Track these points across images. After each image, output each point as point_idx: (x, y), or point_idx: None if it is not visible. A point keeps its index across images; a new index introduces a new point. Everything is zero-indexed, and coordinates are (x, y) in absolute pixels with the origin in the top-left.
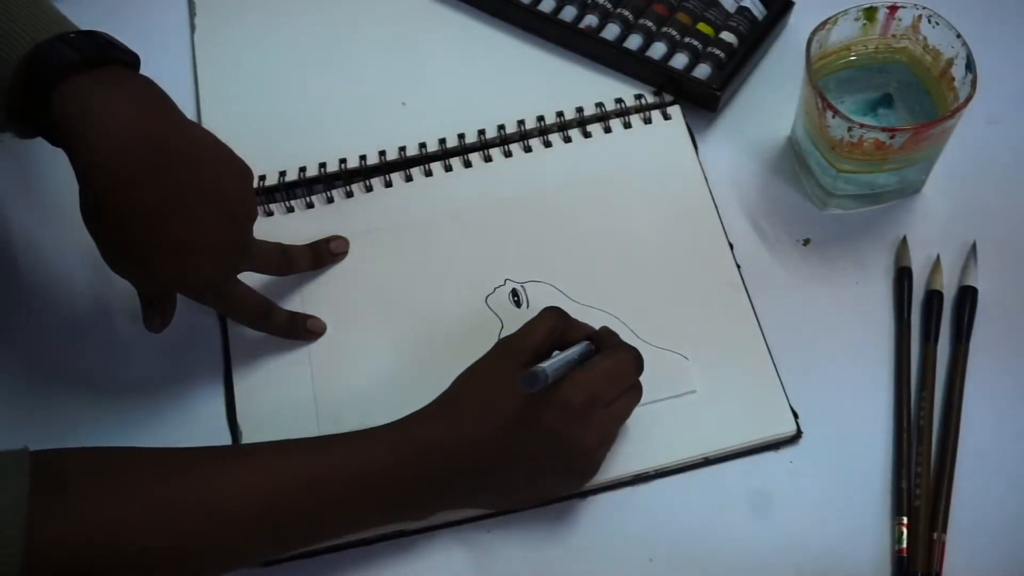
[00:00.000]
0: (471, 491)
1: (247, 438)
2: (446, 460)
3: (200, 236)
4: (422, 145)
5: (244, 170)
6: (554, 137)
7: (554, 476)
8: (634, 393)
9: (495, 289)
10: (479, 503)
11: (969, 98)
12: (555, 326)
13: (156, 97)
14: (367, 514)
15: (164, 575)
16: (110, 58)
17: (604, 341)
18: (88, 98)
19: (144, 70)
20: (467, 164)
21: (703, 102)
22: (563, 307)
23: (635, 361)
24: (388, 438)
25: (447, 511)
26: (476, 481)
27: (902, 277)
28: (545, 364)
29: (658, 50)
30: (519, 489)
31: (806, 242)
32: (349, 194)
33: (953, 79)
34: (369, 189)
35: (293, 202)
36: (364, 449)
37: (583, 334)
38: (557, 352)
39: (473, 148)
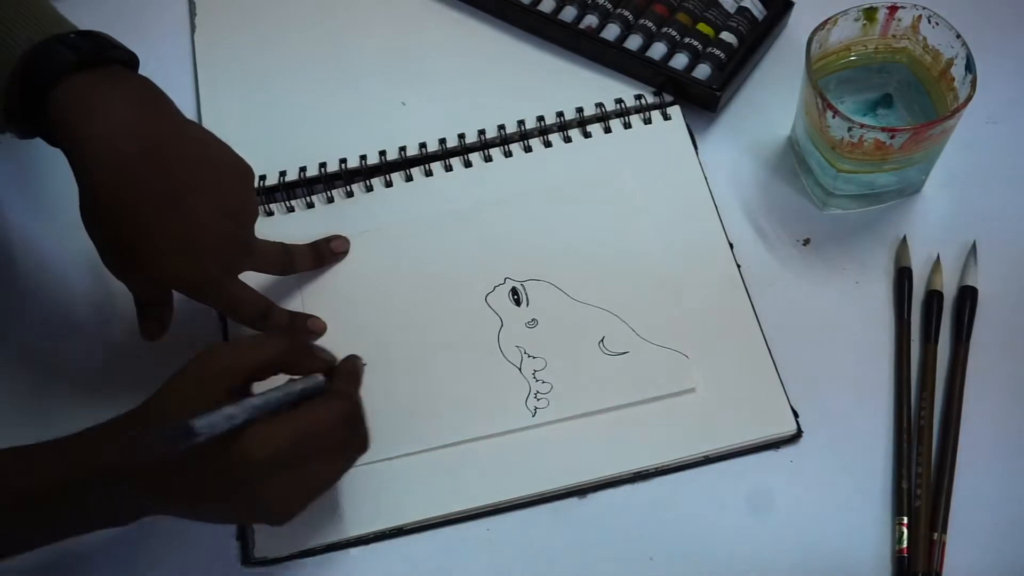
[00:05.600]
0: (148, 500)
1: None
2: (125, 482)
3: (200, 236)
4: (422, 145)
5: (245, 169)
6: (554, 137)
7: (238, 514)
8: (341, 456)
9: (495, 288)
10: (168, 512)
11: (969, 98)
12: (274, 359)
13: (155, 97)
14: (53, 523)
15: None
16: (109, 58)
17: (335, 383)
18: (87, 98)
19: (144, 70)
20: (467, 164)
21: (703, 102)
22: (563, 306)
23: (343, 418)
24: (65, 455)
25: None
26: (164, 504)
27: (902, 277)
28: (207, 417)
29: (658, 50)
30: (200, 514)
31: (806, 242)
32: (349, 194)
33: (953, 79)
34: (369, 189)
35: (293, 202)
36: (37, 462)
37: (317, 366)
38: (285, 383)
39: (473, 148)
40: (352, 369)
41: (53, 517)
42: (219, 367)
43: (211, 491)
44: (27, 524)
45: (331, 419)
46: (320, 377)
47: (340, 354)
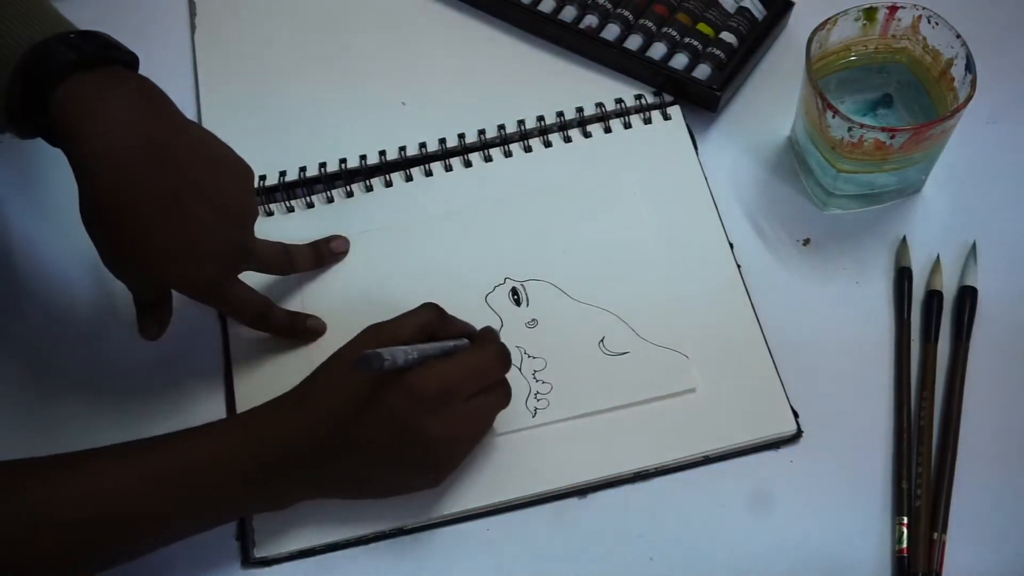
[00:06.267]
0: (317, 480)
1: None
2: (282, 449)
3: (200, 236)
4: (422, 145)
5: (244, 169)
6: (554, 137)
7: (404, 467)
8: (498, 393)
9: (495, 288)
10: (332, 493)
11: (969, 98)
12: (428, 321)
13: (155, 97)
14: (210, 508)
15: None
16: (109, 58)
17: (480, 339)
18: (87, 98)
19: (144, 70)
20: (467, 164)
21: (703, 102)
22: (563, 306)
23: (499, 357)
24: (223, 431)
25: (311, 499)
26: (319, 470)
27: (902, 277)
28: (387, 349)
29: (658, 50)
30: (369, 479)
31: (806, 242)
32: (349, 194)
33: (953, 79)
34: (369, 189)
35: (293, 202)
36: (197, 444)
37: (459, 331)
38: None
39: (473, 148)
40: (493, 331)
41: (200, 498)
42: (380, 337)
43: (386, 441)
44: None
45: (488, 358)
46: (465, 340)
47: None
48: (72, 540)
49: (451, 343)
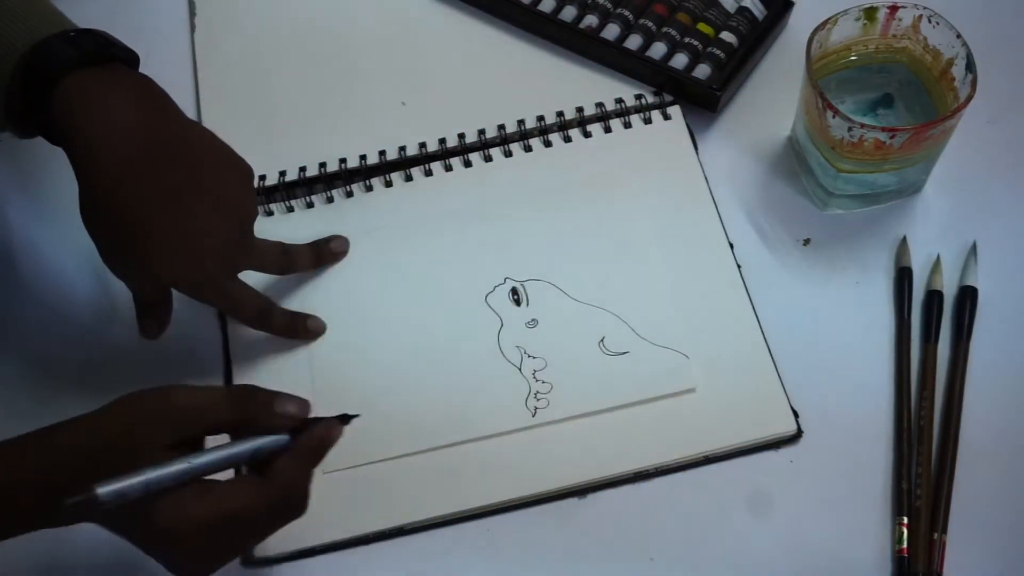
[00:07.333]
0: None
1: None
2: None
3: (199, 234)
4: (422, 145)
5: (244, 168)
6: (554, 137)
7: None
8: (259, 536)
9: (495, 288)
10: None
11: (969, 98)
12: (234, 418)
13: (156, 95)
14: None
15: None
16: (109, 56)
17: (287, 458)
18: (88, 96)
19: (144, 70)
20: (467, 164)
21: (703, 102)
22: (563, 306)
23: (272, 508)
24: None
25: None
26: None
27: (902, 277)
28: (119, 484)
29: (658, 50)
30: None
31: (806, 242)
32: (349, 194)
33: (953, 79)
34: (369, 189)
35: (293, 202)
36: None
37: (280, 426)
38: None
39: (473, 148)
40: (318, 443)
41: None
42: (170, 416)
43: (124, 533)
44: None
45: (254, 506)
46: (284, 437)
47: (341, 354)
48: None
49: (250, 448)
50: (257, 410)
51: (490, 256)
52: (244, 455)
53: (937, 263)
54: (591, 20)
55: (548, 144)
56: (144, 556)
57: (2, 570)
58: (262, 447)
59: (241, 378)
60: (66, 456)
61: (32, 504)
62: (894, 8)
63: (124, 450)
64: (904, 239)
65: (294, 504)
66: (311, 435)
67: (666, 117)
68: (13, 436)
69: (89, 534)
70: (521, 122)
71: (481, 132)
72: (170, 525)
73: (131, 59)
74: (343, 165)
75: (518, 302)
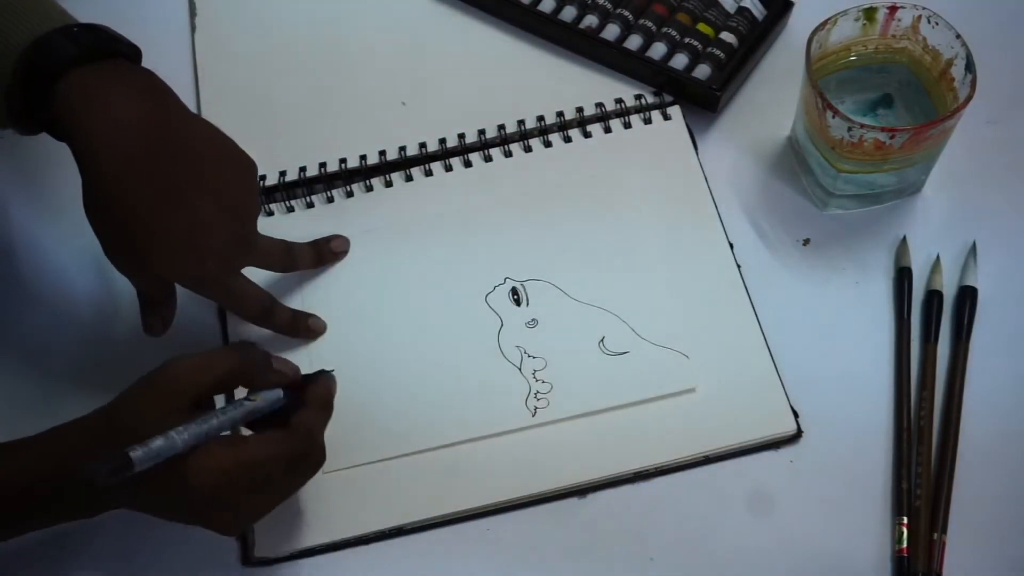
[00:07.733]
0: (129, 506)
1: None
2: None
3: (203, 230)
4: (422, 145)
5: (248, 163)
6: (554, 137)
7: (191, 523)
8: (287, 484)
9: (495, 288)
10: (144, 510)
11: (969, 98)
12: (232, 368)
13: (158, 90)
14: (18, 521)
15: None
16: (112, 51)
17: (300, 415)
18: (90, 91)
19: None
20: (467, 164)
21: (703, 102)
22: (563, 306)
23: (294, 456)
24: (28, 455)
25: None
26: (127, 503)
27: (902, 277)
28: (149, 446)
29: (658, 50)
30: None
31: (806, 242)
32: (349, 194)
33: (953, 79)
34: (369, 189)
35: (293, 202)
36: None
37: (276, 383)
38: (243, 398)
39: (473, 148)
40: (323, 396)
41: (23, 512)
42: (183, 383)
43: (161, 505)
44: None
45: (280, 455)
46: (279, 393)
47: (341, 353)
48: None
49: (249, 407)
50: (254, 371)
51: (490, 256)
52: (248, 413)
53: (937, 263)
54: (591, 20)
55: (548, 144)
56: (145, 558)
57: (1, 569)
58: (258, 407)
59: None
60: (81, 441)
61: (49, 494)
62: (893, 8)
63: (140, 425)
64: (904, 239)
65: (314, 456)
66: (317, 388)
67: (666, 117)
68: (15, 433)
69: (90, 535)
70: (521, 122)
71: (481, 132)
72: (204, 480)
73: (133, 54)
74: (343, 165)
75: (518, 302)
